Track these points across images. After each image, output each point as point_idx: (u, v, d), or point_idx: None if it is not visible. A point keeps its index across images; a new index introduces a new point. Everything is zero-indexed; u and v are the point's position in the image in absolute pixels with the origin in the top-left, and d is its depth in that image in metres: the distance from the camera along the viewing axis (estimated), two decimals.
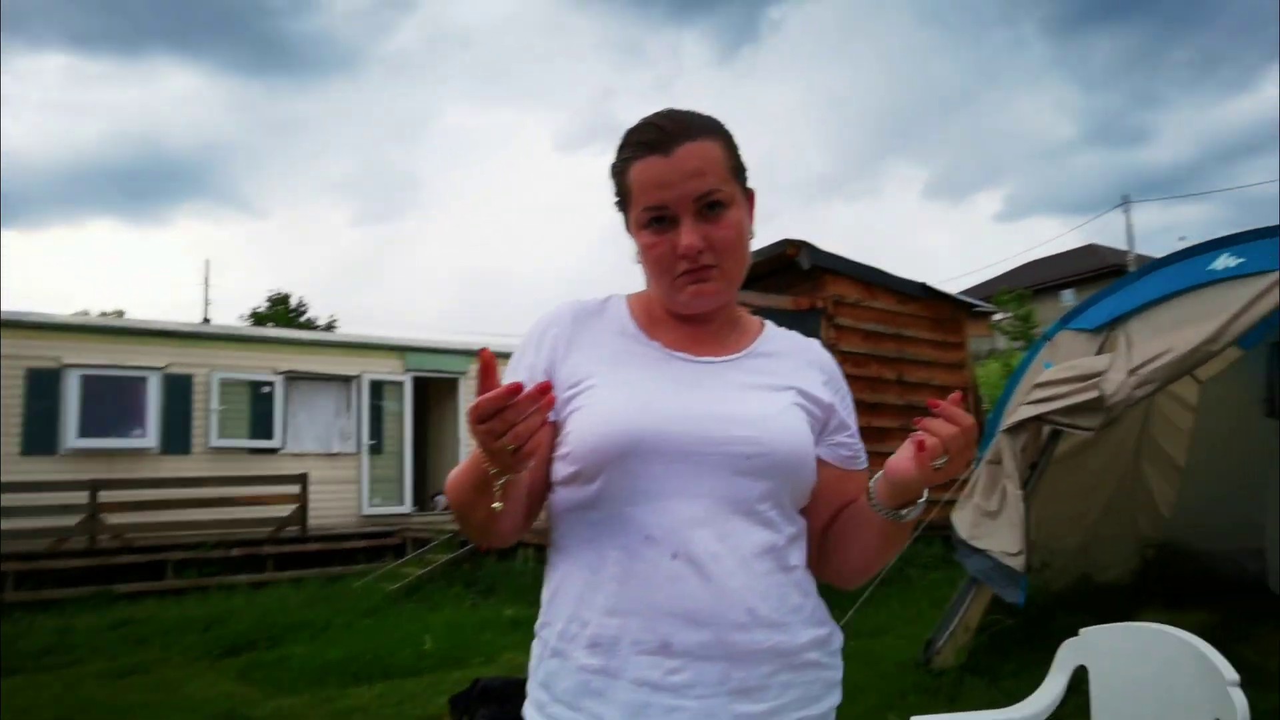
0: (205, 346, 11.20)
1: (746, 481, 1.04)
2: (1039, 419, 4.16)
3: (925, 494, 1.03)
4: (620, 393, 1.07)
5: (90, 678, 5.40)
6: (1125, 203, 29.41)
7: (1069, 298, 37.03)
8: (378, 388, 12.32)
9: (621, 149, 1.10)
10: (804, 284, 7.70)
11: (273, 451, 11.34)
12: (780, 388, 1.13)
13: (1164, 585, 5.22)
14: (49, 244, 72.18)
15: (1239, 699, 1.53)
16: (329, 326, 34.05)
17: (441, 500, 11.72)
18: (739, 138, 1.13)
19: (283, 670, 5.37)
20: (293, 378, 11.66)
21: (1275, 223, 3.85)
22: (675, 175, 1.03)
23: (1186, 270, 4.04)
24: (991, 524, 4.16)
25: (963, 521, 4.29)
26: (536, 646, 1.08)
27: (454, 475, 1.03)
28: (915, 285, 8.33)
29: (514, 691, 1.96)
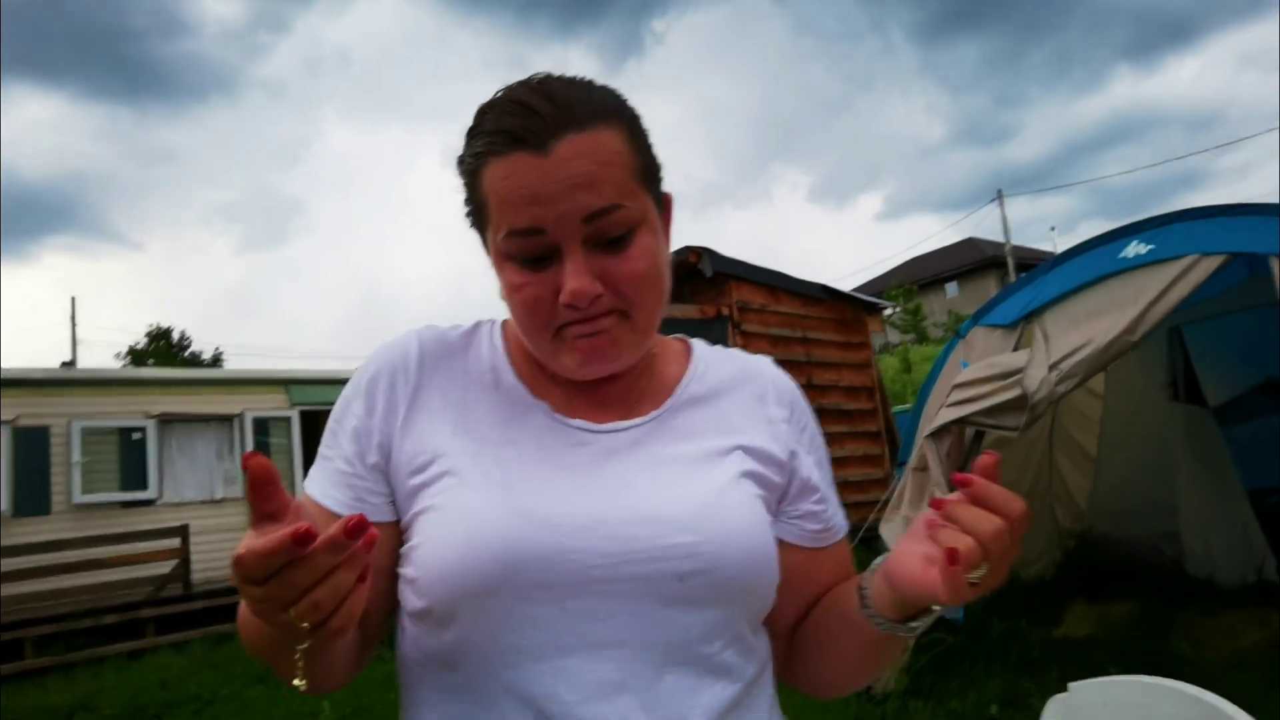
0: (63, 394, 10.19)
1: (683, 614, 0.71)
2: (962, 421, 4.00)
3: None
4: (487, 490, 0.72)
5: None
6: (1000, 197, 30.57)
7: (953, 290, 38.59)
8: (262, 425, 11.51)
9: (473, 136, 0.73)
10: (708, 291, 7.49)
11: (148, 503, 10.41)
12: (722, 452, 0.79)
13: (1086, 576, 5.19)
14: None
15: None
16: (215, 360, 32.38)
17: None
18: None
19: None
20: (167, 420, 10.76)
21: (1139, 209, 3.84)
22: (555, 185, 0.69)
23: (1097, 259, 3.95)
24: None
25: (892, 535, 4.09)
26: None
27: (243, 612, 0.69)
28: (817, 287, 8.24)
29: None
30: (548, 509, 0.71)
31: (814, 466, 0.86)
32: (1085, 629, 4.54)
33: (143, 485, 10.42)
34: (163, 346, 31.57)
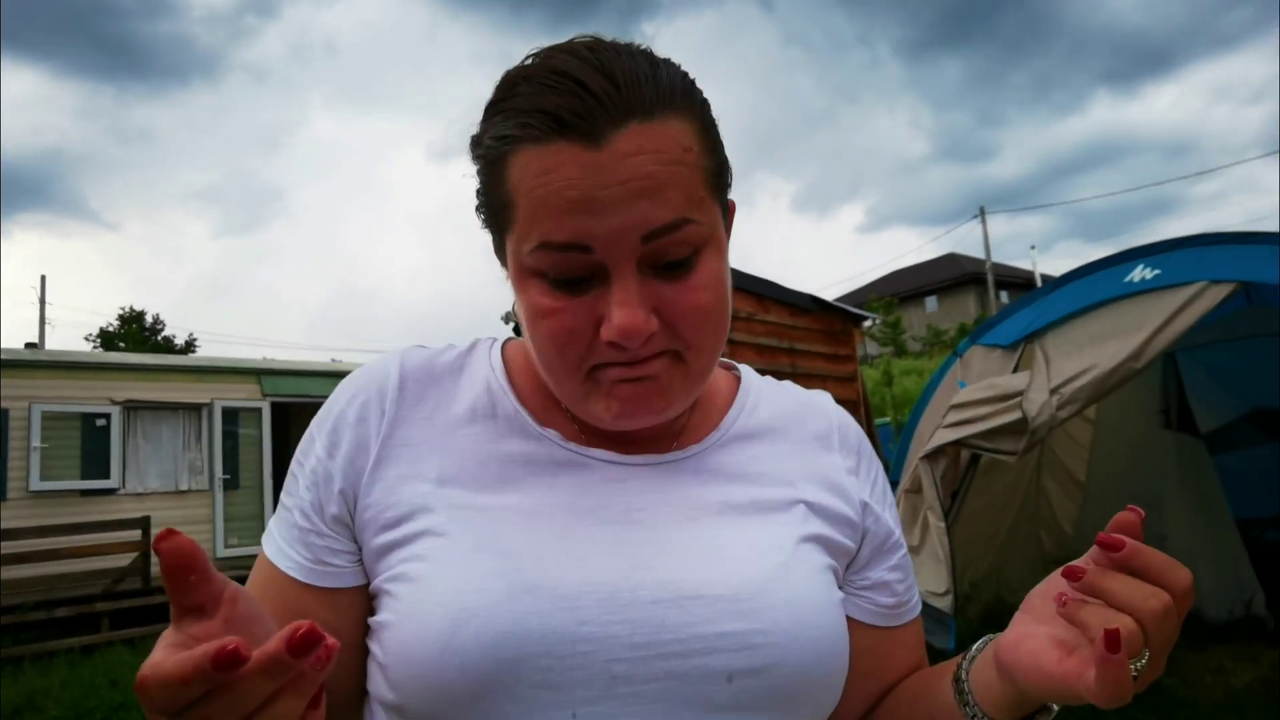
0: (25, 376, 9.86)
1: None
2: (959, 443, 3.88)
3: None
4: (476, 555, 0.56)
5: None
6: (982, 214, 30.72)
7: (932, 304, 38.80)
8: (232, 415, 11.22)
9: (498, 113, 0.57)
10: None
11: (109, 492, 10.11)
12: (780, 505, 0.64)
13: None
14: None
15: None
16: (188, 346, 31.79)
17: None
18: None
19: None
20: (133, 408, 10.46)
21: (1115, 232, 3.77)
22: (611, 191, 0.53)
23: (1102, 282, 3.86)
24: (914, 560, 3.85)
25: None
26: None
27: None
28: (806, 298, 8.14)
29: None
30: (558, 580, 0.56)
31: (891, 525, 0.71)
32: None
33: (105, 474, 10.11)
34: (134, 330, 30.94)
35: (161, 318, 32.44)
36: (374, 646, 0.59)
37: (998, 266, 32.36)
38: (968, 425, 3.81)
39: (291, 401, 11.90)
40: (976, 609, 4.84)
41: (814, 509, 0.65)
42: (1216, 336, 4.99)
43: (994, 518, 4.99)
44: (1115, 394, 5.25)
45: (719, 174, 0.60)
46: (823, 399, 0.75)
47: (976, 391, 3.92)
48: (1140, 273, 3.72)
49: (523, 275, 0.58)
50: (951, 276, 37.62)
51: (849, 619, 0.66)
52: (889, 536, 0.70)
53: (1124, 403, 5.32)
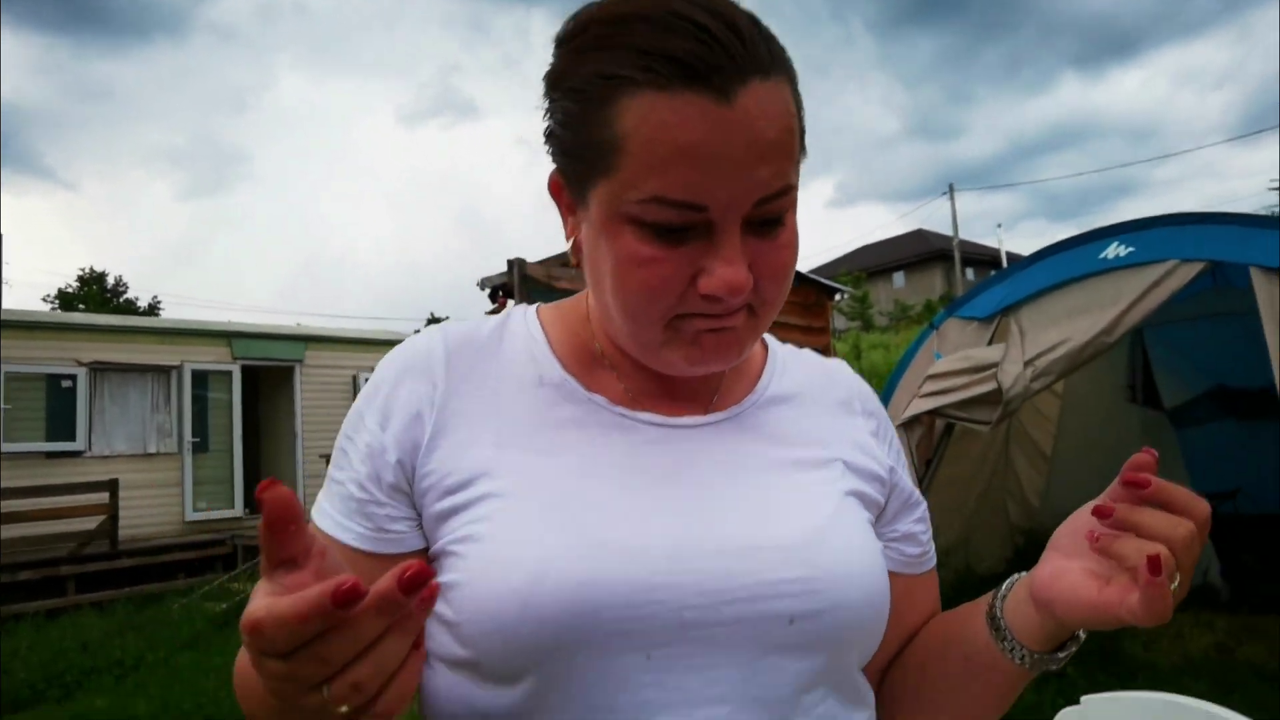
0: None
1: (788, 662, 0.60)
2: (934, 413, 3.97)
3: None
4: (547, 514, 0.58)
5: None
6: (951, 191, 30.96)
7: (900, 280, 39.14)
8: (202, 378, 11.07)
9: (606, 47, 0.55)
10: None
11: (75, 455, 9.94)
12: (819, 463, 0.68)
13: None
14: None
15: None
16: (152, 309, 31.19)
17: None
18: None
19: None
20: (100, 369, 10.27)
21: (1078, 212, 3.86)
22: (737, 151, 0.53)
23: (1077, 258, 3.93)
24: None
25: None
26: None
27: (243, 668, 0.57)
28: None
29: None
30: (626, 535, 0.58)
31: (910, 482, 0.75)
32: None
33: (70, 436, 9.95)
34: (94, 291, 30.29)
35: (124, 280, 31.78)
36: (439, 608, 0.60)
37: (964, 244, 32.67)
38: (943, 395, 3.89)
39: (263, 365, 11.78)
40: (947, 575, 4.96)
41: (850, 467, 0.69)
42: (1183, 314, 5.11)
43: (964, 486, 5.10)
44: (1083, 369, 5.38)
45: (803, 139, 0.61)
46: (841, 366, 0.80)
47: (952, 362, 4.00)
48: (1115, 249, 3.80)
49: (615, 221, 0.57)
50: (919, 253, 37.91)
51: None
52: (911, 493, 0.74)
53: (1091, 377, 5.44)
